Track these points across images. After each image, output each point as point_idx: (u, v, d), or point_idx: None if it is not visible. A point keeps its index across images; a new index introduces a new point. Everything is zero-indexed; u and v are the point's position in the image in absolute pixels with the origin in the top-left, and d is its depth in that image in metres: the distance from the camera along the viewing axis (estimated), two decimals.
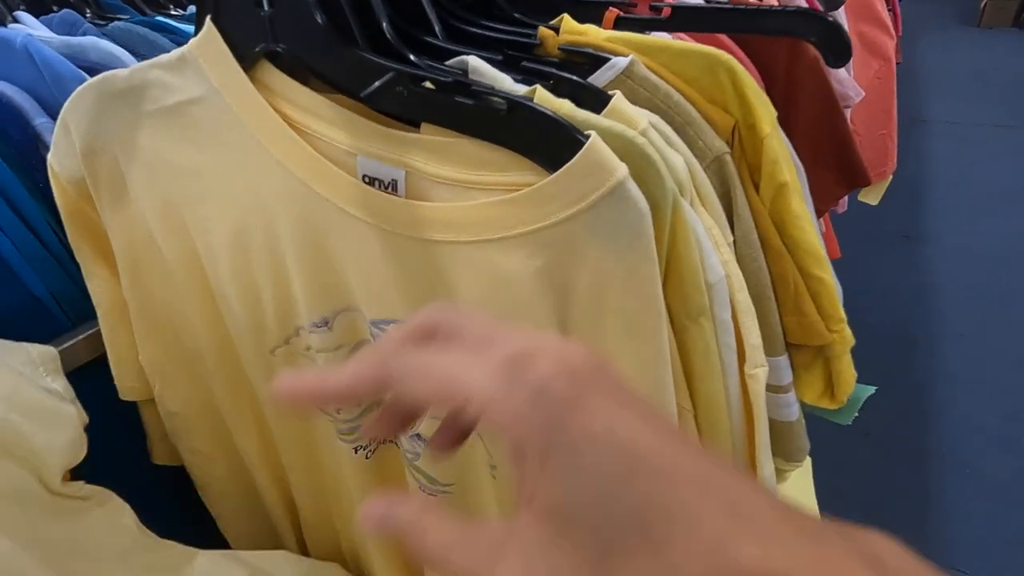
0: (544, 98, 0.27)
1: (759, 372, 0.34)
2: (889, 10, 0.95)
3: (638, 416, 0.15)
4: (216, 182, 0.33)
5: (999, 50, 3.19)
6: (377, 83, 0.27)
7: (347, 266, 0.32)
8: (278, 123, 0.30)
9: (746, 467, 0.36)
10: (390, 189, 0.30)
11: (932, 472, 1.25)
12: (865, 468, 1.26)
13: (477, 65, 0.28)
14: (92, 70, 0.50)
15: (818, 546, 0.14)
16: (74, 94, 0.33)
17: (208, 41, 0.30)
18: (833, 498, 1.19)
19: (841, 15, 0.74)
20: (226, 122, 0.31)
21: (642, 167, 0.28)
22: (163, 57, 0.32)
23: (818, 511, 0.52)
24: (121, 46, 0.53)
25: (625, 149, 0.27)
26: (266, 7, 0.27)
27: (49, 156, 0.36)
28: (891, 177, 1.00)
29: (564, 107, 0.27)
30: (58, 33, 0.54)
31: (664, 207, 0.28)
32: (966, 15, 3.77)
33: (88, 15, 0.63)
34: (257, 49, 0.29)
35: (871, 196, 0.98)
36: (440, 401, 0.16)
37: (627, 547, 0.13)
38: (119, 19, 0.62)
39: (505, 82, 0.28)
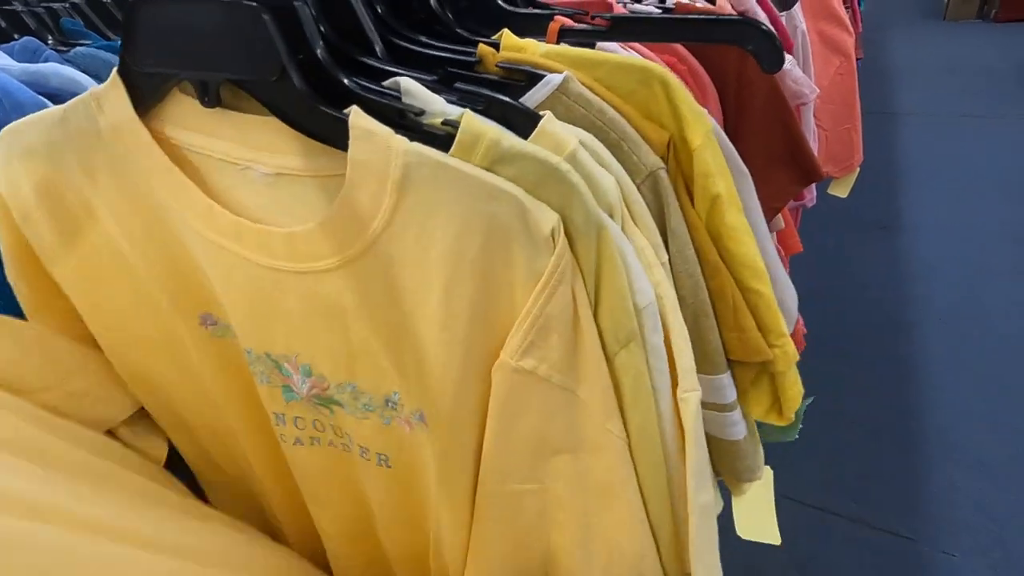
0: (470, 123, 0.27)
1: (691, 396, 0.33)
2: (847, 8, 0.97)
3: None
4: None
5: (965, 42, 3.27)
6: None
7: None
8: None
9: (682, 496, 0.35)
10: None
11: (920, 456, 1.27)
12: (853, 455, 1.27)
13: (409, 86, 0.28)
14: (54, 97, 0.50)
15: None
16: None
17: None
18: (823, 486, 1.20)
19: (798, 14, 0.76)
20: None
21: (564, 194, 0.28)
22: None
23: (776, 525, 0.51)
24: (84, 71, 0.54)
25: (546, 177, 0.28)
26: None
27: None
28: (858, 170, 1.02)
29: (489, 133, 0.27)
30: (19, 61, 0.54)
31: (589, 233, 0.29)
32: (931, 8, 3.86)
33: (50, 42, 0.63)
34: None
35: (840, 189, 1.00)
36: None
37: None
38: (81, 44, 0.62)
39: (436, 104, 0.28)
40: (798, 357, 0.43)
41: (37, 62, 0.55)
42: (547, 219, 0.28)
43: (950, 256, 1.73)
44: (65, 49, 0.59)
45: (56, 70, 0.51)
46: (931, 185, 2.05)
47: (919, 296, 1.62)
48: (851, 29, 0.91)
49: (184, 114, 0.31)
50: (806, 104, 0.60)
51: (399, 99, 0.28)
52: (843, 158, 0.96)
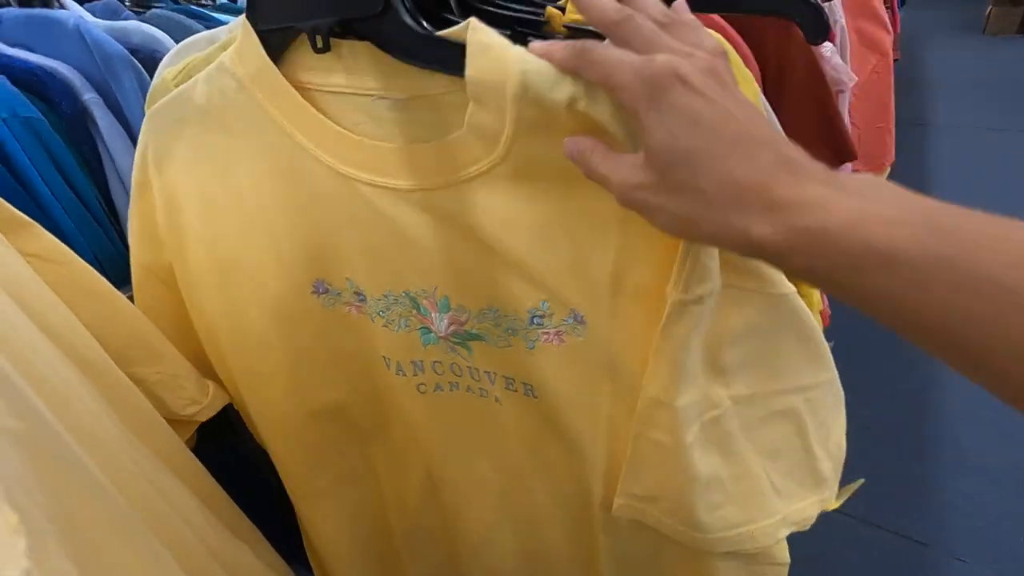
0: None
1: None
2: (887, 8, 0.98)
3: (713, 105, 0.23)
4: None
5: (1003, 56, 3.20)
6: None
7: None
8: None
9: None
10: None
11: (932, 463, 1.26)
12: (866, 460, 1.27)
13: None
14: (135, 51, 0.54)
15: (794, 175, 0.22)
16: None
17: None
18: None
19: (838, 9, 0.77)
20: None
21: None
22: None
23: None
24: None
25: None
26: None
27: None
28: (889, 169, 1.02)
29: None
30: (101, 18, 0.58)
31: None
32: (971, 22, 3.79)
33: (127, 3, 0.67)
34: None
35: None
36: (600, 84, 0.25)
37: (676, 174, 0.23)
38: (155, 7, 0.66)
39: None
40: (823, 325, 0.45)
41: (117, 20, 0.59)
42: None
43: None
44: (141, 10, 0.63)
45: (138, 27, 0.55)
46: (960, 197, 1.99)
47: None
48: (889, 28, 0.91)
49: (302, 62, 0.33)
50: (843, 92, 0.61)
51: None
52: (875, 156, 0.97)
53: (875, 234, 0.20)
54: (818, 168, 0.22)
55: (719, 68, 0.24)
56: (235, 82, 0.33)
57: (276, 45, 0.32)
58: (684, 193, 0.23)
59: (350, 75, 0.32)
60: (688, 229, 0.24)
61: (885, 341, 1.50)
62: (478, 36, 0.28)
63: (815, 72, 0.46)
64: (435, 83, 0.31)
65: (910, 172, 2.06)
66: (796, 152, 0.22)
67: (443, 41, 0.29)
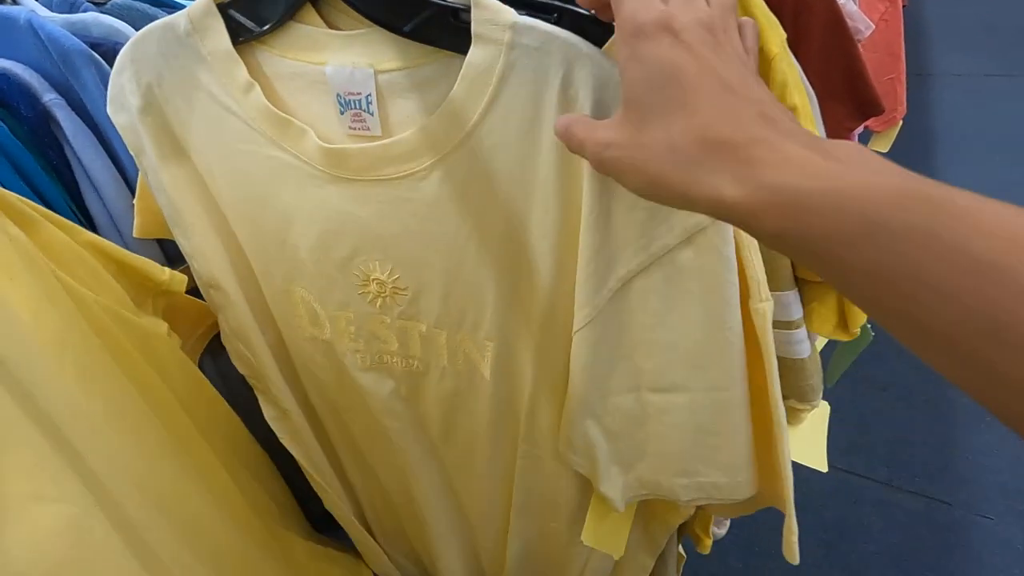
0: None
1: (764, 307, 0.33)
2: None
3: (697, 59, 0.22)
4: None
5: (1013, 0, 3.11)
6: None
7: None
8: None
9: (756, 410, 0.36)
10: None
11: (953, 421, 1.25)
12: (887, 421, 1.26)
13: None
14: (96, 45, 0.50)
15: (776, 132, 0.21)
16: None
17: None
18: (854, 451, 1.19)
19: None
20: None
21: None
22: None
23: (825, 455, 0.52)
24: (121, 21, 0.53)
25: None
26: None
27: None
28: (901, 123, 0.98)
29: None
30: (58, 12, 0.54)
31: None
32: None
33: None
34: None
35: (881, 143, 0.97)
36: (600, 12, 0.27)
37: (650, 129, 0.23)
38: None
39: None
40: None
41: (75, 13, 0.55)
42: None
43: None
44: (102, 1, 0.59)
45: (97, 19, 0.51)
46: (967, 147, 1.98)
47: None
48: None
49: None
50: (859, 41, 0.57)
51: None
52: (886, 110, 0.93)
53: (852, 200, 0.19)
54: (801, 131, 0.21)
55: (716, 22, 0.23)
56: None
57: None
58: (657, 149, 0.22)
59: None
60: (658, 189, 0.23)
61: None
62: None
63: (837, 20, 0.42)
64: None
65: (918, 124, 2.01)
66: (781, 113, 0.22)
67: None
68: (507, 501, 0.48)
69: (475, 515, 0.51)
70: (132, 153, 0.39)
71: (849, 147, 0.20)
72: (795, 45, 0.43)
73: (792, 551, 0.38)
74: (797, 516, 0.40)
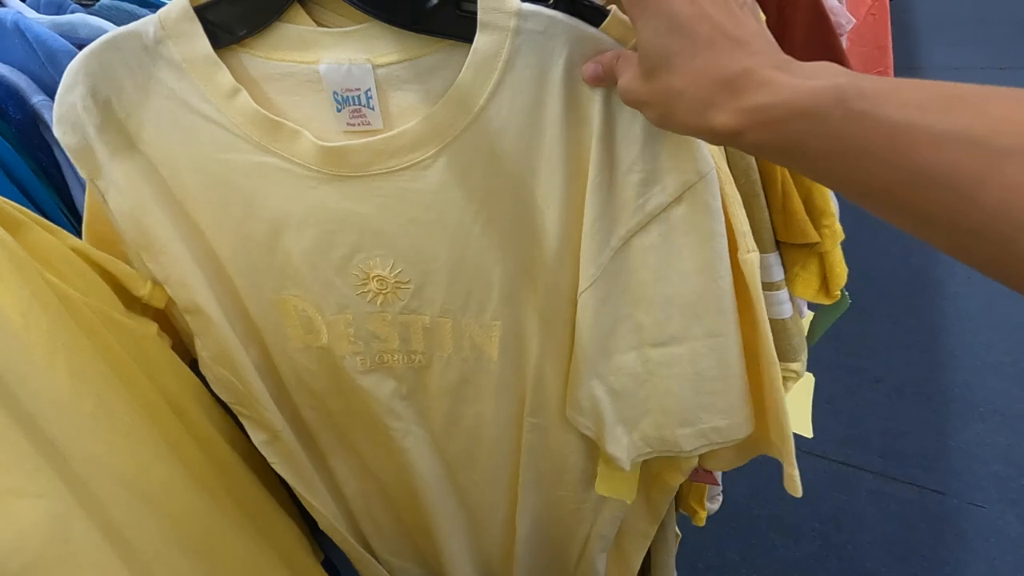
0: None
1: (751, 257, 0.35)
2: None
3: (694, 7, 0.25)
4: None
5: None
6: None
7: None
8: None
9: (748, 354, 0.38)
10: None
11: (945, 411, 1.26)
12: (881, 413, 1.27)
13: None
14: (83, 47, 0.50)
15: (783, 67, 0.24)
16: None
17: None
18: (848, 442, 1.20)
19: None
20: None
21: None
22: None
23: (810, 423, 0.55)
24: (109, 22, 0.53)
25: None
26: None
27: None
28: None
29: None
30: (45, 14, 0.54)
31: None
32: None
33: None
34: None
35: None
36: None
37: (657, 74, 0.27)
38: None
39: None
40: (843, 236, 0.45)
41: (63, 14, 0.55)
42: None
43: None
44: (89, 3, 0.59)
45: (84, 20, 0.51)
46: None
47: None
48: None
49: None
50: (842, 35, 0.58)
51: None
52: None
53: (804, 104, 0.23)
54: (781, 58, 0.25)
55: None
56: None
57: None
58: (662, 90, 0.27)
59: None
60: (668, 122, 0.28)
61: (894, 295, 1.49)
62: None
63: (819, 12, 0.42)
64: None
65: None
66: (765, 44, 0.25)
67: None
68: (512, 485, 0.48)
69: (479, 505, 0.51)
70: (86, 178, 0.36)
71: (818, 65, 0.24)
72: (779, 38, 0.43)
73: (794, 484, 0.40)
74: (793, 506, 0.40)
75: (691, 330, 0.36)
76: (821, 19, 0.43)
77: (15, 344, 0.26)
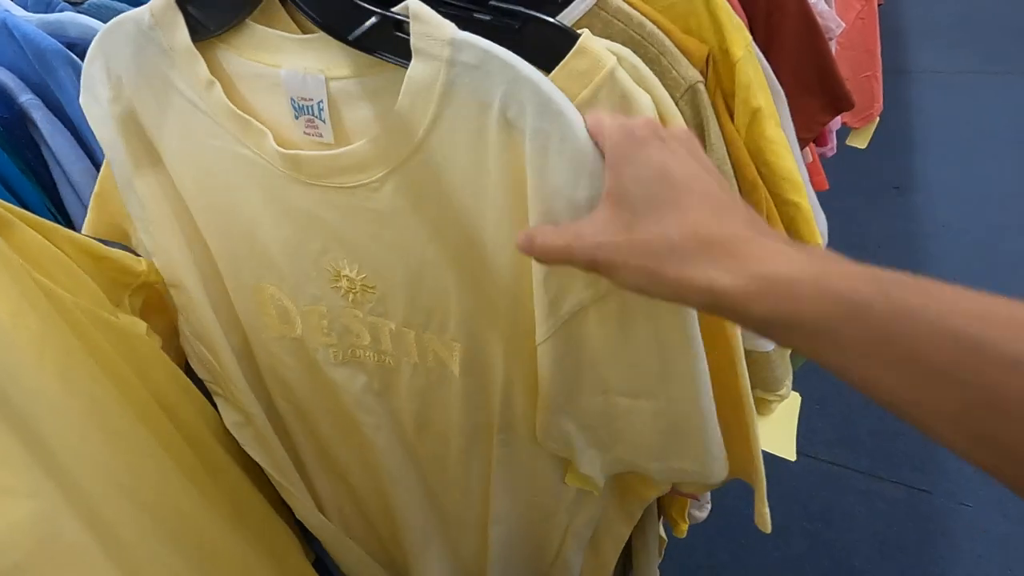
0: None
1: None
2: None
3: (685, 164, 0.25)
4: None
5: None
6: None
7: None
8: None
9: (725, 393, 0.37)
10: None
11: None
12: (871, 414, 1.28)
13: (418, 11, 0.28)
14: (73, 46, 0.50)
15: (759, 233, 0.23)
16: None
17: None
18: (837, 443, 1.21)
19: None
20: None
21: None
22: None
23: (794, 445, 0.54)
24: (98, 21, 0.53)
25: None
26: None
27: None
28: (878, 120, 1.00)
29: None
30: (34, 12, 0.54)
31: None
32: None
33: None
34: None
35: (859, 140, 0.99)
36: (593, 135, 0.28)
37: (645, 225, 0.24)
38: None
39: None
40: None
41: (51, 13, 0.54)
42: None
43: (964, 216, 1.71)
44: (79, 1, 0.58)
45: (73, 19, 0.51)
46: (946, 144, 2.01)
47: (933, 256, 1.61)
48: None
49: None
50: (831, 40, 0.58)
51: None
52: (863, 107, 0.94)
53: (838, 285, 0.20)
54: (780, 234, 0.24)
55: (693, 142, 0.27)
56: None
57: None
58: (650, 244, 0.24)
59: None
60: (652, 283, 0.24)
61: None
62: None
63: (808, 18, 0.43)
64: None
65: (894, 123, 2.04)
66: (759, 218, 0.25)
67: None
68: (484, 490, 0.48)
69: (452, 508, 0.51)
70: (102, 144, 0.38)
71: (820, 249, 0.23)
72: (768, 42, 0.44)
73: (764, 520, 0.40)
74: (783, 506, 0.42)
75: (657, 390, 0.35)
76: (810, 24, 0.43)
77: (4, 344, 0.26)
